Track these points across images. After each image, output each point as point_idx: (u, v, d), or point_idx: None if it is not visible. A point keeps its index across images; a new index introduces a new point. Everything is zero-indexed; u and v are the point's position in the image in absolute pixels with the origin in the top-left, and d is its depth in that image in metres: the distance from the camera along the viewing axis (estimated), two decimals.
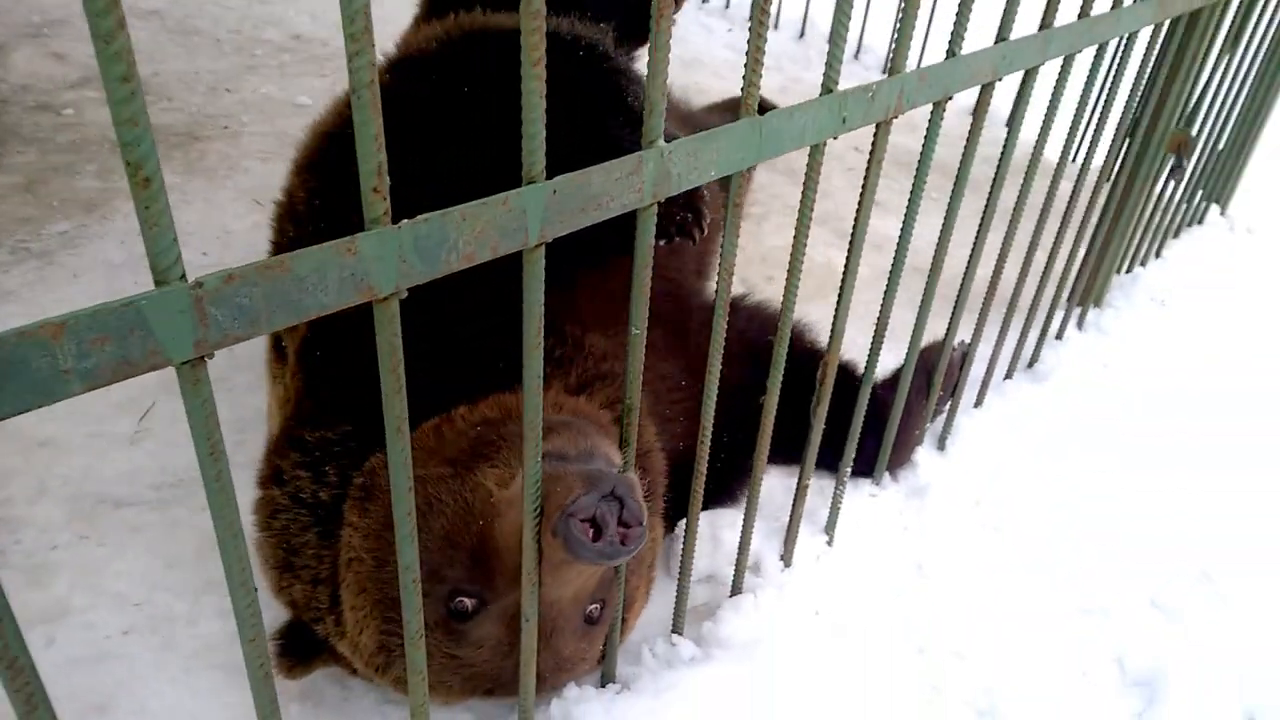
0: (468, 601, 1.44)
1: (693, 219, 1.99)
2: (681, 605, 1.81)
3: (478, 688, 1.54)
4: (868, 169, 1.54)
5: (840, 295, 1.70)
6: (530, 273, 1.06)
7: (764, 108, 1.27)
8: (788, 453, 2.06)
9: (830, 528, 2.17)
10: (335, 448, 1.66)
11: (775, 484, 2.31)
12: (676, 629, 1.82)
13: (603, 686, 1.65)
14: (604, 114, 1.93)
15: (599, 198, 1.07)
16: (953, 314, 2.22)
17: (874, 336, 1.97)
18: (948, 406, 2.47)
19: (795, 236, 1.47)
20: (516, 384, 1.70)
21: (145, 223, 0.75)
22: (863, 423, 2.05)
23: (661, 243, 2.12)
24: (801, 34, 5.05)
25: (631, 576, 1.61)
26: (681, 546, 1.93)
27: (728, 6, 5.41)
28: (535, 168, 0.99)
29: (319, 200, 1.91)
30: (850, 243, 1.65)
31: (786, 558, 2.07)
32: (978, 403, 2.63)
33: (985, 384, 2.60)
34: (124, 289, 2.78)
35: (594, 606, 1.53)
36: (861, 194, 1.57)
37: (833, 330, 1.75)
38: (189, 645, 1.83)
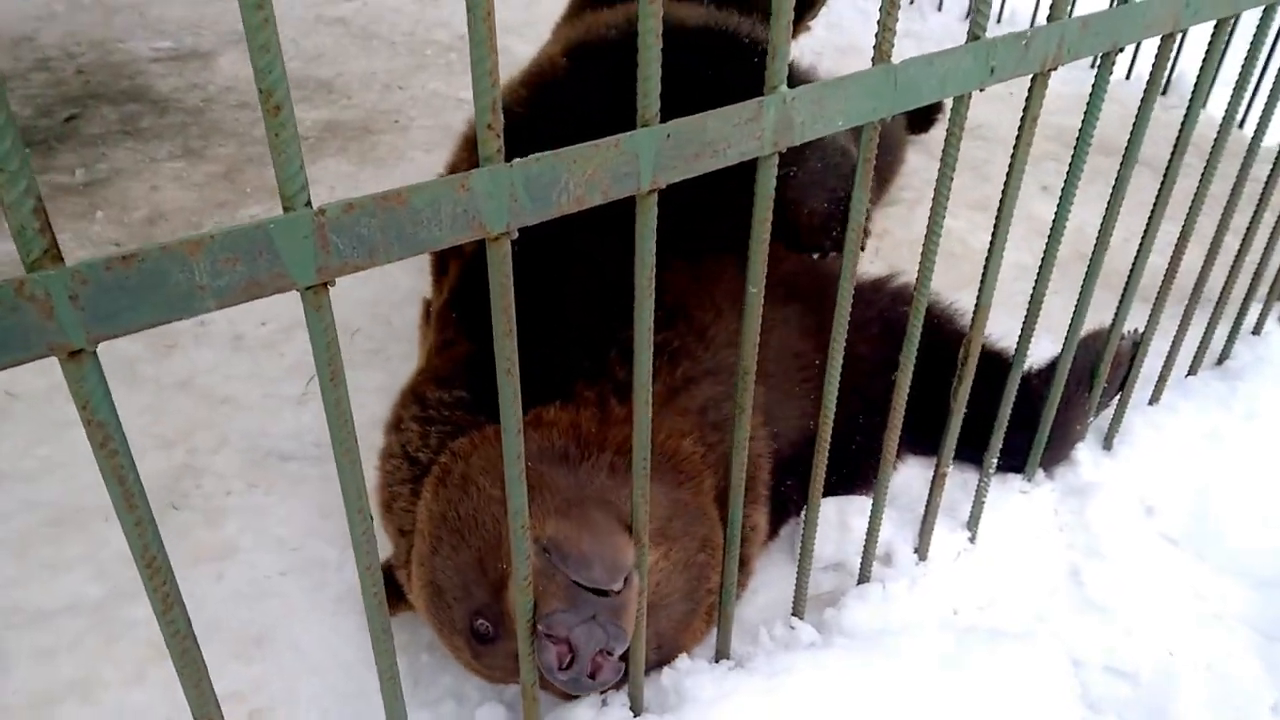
0: (487, 626, 1.47)
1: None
2: (802, 589, 1.76)
3: (499, 682, 1.61)
4: (1021, 125, 1.44)
5: (988, 263, 1.60)
6: (642, 220, 1.06)
7: None
8: (930, 443, 1.96)
9: (973, 523, 2.05)
10: (445, 411, 1.73)
11: (915, 474, 2.21)
12: (797, 613, 1.78)
13: (715, 662, 1.63)
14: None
15: (715, 144, 1.06)
16: (1122, 297, 2.04)
17: (1026, 317, 1.84)
18: (1115, 401, 2.28)
19: (935, 194, 1.40)
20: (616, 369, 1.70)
21: (275, 149, 0.81)
22: (1015, 414, 1.91)
23: (815, 256, 2.08)
24: (940, 6, 4.89)
25: (686, 600, 1.57)
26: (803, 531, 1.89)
27: None
28: (650, 110, 0.99)
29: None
30: (1000, 203, 1.54)
31: (921, 551, 1.97)
32: (1153, 399, 2.41)
33: (1163, 379, 2.38)
34: None
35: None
36: (1014, 153, 1.48)
37: (978, 302, 1.65)
38: (336, 589, 1.96)
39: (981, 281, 1.64)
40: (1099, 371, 2.12)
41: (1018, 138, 1.46)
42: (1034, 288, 1.80)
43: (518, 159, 0.93)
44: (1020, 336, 1.87)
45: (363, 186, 3.52)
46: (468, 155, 2.12)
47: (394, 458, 1.76)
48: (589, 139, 0.96)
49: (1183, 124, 1.86)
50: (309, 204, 0.84)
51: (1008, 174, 1.51)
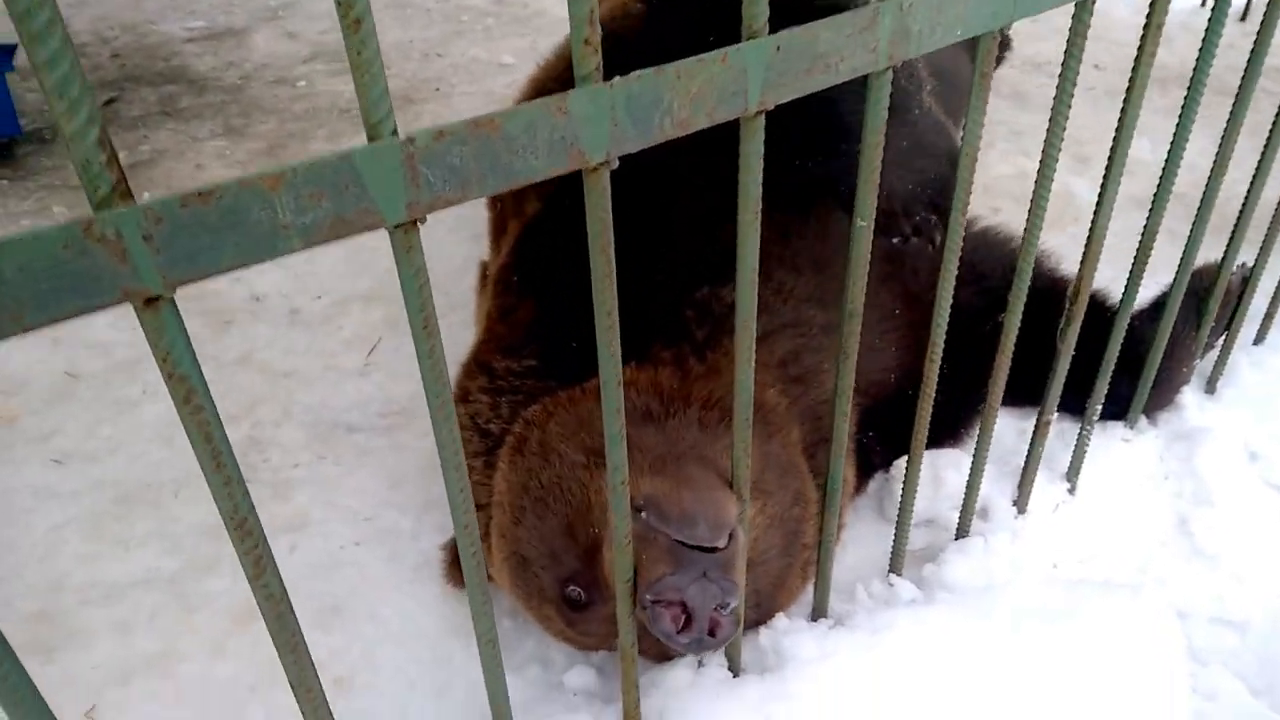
0: (580, 593, 1.41)
1: (935, 221, 1.82)
2: (900, 545, 1.67)
3: (590, 649, 1.56)
4: (1143, 38, 1.31)
5: (1101, 196, 1.48)
6: (749, 144, 0.97)
7: (1003, 38, 1.12)
8: (1017, 393, 1.85)
9: (1073, 474, 1.94)
10: (515, 380, 1.66)
11: (1004, 426, 2.09)
12: (895, 569, 1.69)
13: (813, 621, 1.55)
14: None
15: (827, 57, 0.95)
16: (1235, 229, 1.90)
17: (1137, 254, 1.71)
18: (1221, 341, 2.14)
19: (1052, 117, 1.28)
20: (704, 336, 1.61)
21: (357, 70, 0.73)
22: (1118, 358, 1.79)
23: (895, 241, 1.93)
24: None
25: (782, 556, 1.49)
26: (901, 488, 1.79)
27: None
28: (758, 20, 0.89)
29: None
30: (1116, 136, 1.42)
31: (1020, 503, 1.87)
32: (1258, 339, 2.26)
33: (1270, 316, 2.23)
34: (357, 247, 2.95)
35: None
36: (1133, 76, 1.34)
37: (1090, 235, 1.53)
38: (413, 558, 1.91)
39: (1095, 215, 1.51)
40: (1208, 309, 1.98)
41: (1138, 57, 1.33)
42: (1147, 220, 1.67)
43: (617, 77, 0.84)
44: (1130, 274, 1.74)
45: None
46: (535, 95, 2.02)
47: (463, 430, 1.69)
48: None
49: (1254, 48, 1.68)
50: (395, 132, 0.76)
51: (1125, 104, 1.38)
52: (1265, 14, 1.58)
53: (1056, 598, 1.59)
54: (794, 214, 1.82)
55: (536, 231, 1.78)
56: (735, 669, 1.44)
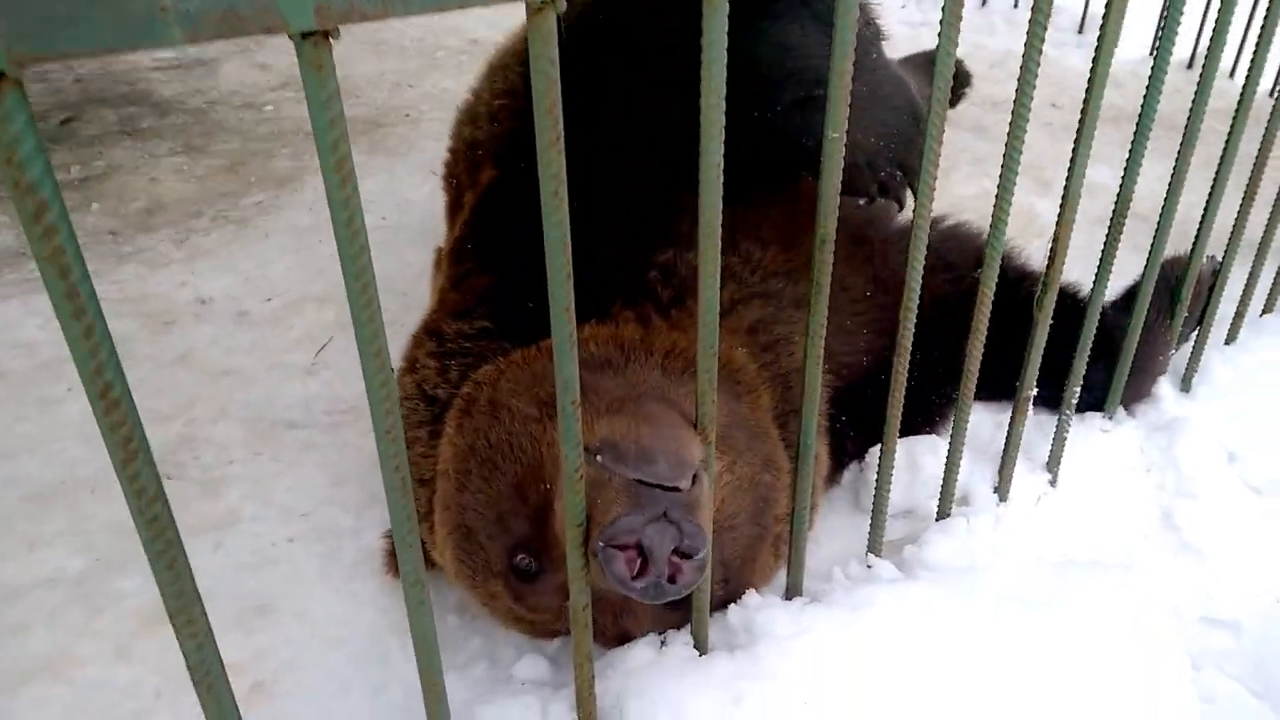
0: (530, 561, 1.28)
1: (901, 178, 1.77)
2: (879, 524, 1.56)
3: (538, 635, 1.43)
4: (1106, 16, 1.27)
5: (1073, 163, 1.42)
6: (712, 24, 0.89)
7: (960, 71, 1.08)
8: (992, 385, 1.77)
9: (1054, 464, 1.85)
10: (466, 343, 1.55)
11: (980, 418, 2.00)
12: (873, 549, 1.57)
13: (788, 599, 1.42)
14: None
15: None
16: (1200, 224, 1.86)
17: (1106, 242, 1.65)
18: (1194, 337, 2.08)
19: (1015, 115, 1.23)
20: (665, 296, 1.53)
21: None
22: (1092, 347, 1.72)
23: (861, 202, 1.89)
24: (984, 3, 4.73)
25: (752, 524, 1.37)
26: (875, 476, 1.69)
27: None
28: None
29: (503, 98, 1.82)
30: (1085, 109, 1.37)
31: (1001, 490, 1.77)
32: (1229, 339, 2.21)
33: (1239, 315, 2.18)
34: (310, 246, 2.85)
35: None
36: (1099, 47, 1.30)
37: (1064, 199, 1.47)
38: (351, 555, 1.76)
39: (1068, 181, 1.45)
40: (1180, 297, 1.93)
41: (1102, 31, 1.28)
42: (1115, 204, 1.62)
43: None
44: (1100, 263, 1.68)
45: (373, 174, 3.38)
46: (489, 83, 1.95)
47: (408, 399, 1.57)
48: None
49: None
50: None
51: (1091, 75, 1.34)
52: (1205, 63, 1.60)
53: (1043, 580, 1.48)
54: (760, 188, 1.75)
55: (492, 197, 1.69)
56: (702, 647, 1.30)
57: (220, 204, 3.17)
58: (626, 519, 1.04)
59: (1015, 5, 4.63)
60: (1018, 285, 1.97)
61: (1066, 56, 4.16)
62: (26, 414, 2.13)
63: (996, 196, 1.40)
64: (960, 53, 4.69)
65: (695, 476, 1.10)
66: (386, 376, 0.86)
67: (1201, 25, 3.98)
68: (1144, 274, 1.83)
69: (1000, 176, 1.37)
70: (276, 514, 1.86)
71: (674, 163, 1.58)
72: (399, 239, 2.88)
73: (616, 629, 1.31)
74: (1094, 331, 1.73)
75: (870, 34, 1.84)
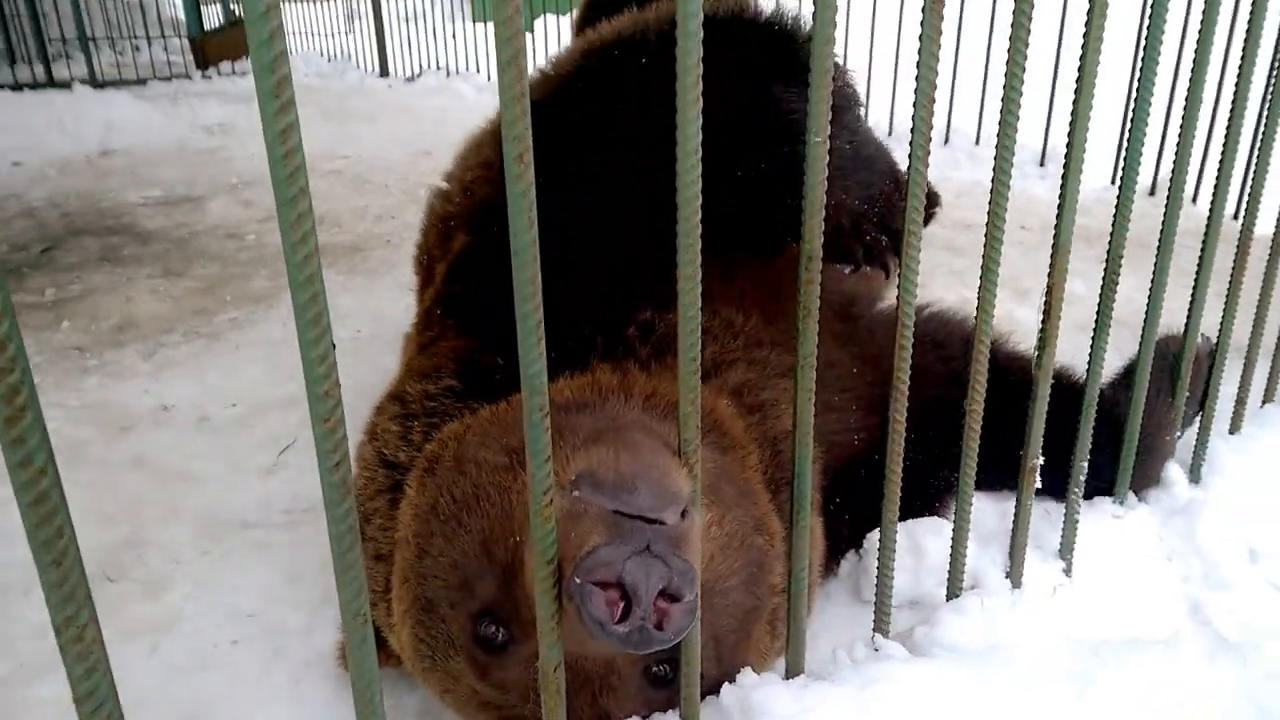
0: (497, 629, 1.13)
1: (886, 243, 1.74)
2: (884, 604, 1.42)
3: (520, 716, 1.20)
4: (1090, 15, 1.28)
5: (1060, 220, 1.39)
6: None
7: (930, 191, 1.10)
8: (992, 474, 1.68)
9: (1066, 551, 1.72)
10: (430, 403, 1.45)
11: (983, 507, 1.88)
12: (879, 629, 1.42)
13: (787, 679, 1.26)
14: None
15: None
16: (1191, 303, 1.83)
17: (1096, 325, 1.61)
18: (1197, 422, 2.01)
19: (1000, 127, 1.22)
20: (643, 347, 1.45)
21: None
22: (1094, 433, 1.65)
23: (847, 270, 1.85)
24: (946, 140, 4.96)
25: (745, 592, 1.22)
26: (875, 562, 1.57)
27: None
28: None
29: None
30: (1070, 133, 1.36)
31: (1014, 576, 1.63)
32: (1233, 428, 2.14)
33: (1240, 402, 2.12)
34: (282, 360, 2.77)
35: (660, 666, 1.15)
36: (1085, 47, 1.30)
37: (1053, 263, 1.43)
38: (302, 655, 1.58)
39: (1057, 228, 1.41)
40: (1180, 373, 1.87)
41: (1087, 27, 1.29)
42: (1101, 291, 1.59)
43: None
44: (1093, 344, 1.63)
45: (351, 292, 3.36)
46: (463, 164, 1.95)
47: (367, 469, 1.45)
48: None
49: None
50: None
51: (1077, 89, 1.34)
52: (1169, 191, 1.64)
53: (1078, 659, 1.33)
54: (739, 256, 1.72)
55: (464, 261, 1.64)
56: None
57: (193, 321, 3.12)
58: (606, 550, 0.91)
59: (977, 142, 4.84)
60: (1008, 369, 1.91)
61: (1031, 187, 4.31)
62: None
63: (982, 269, 1.35)
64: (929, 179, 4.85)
65: (684, 512, 0.99)
66: (331, 384, 0.76)
67: (1159, 155, 4.15)
68: (1140, 351, 1.78)
69: (984, 247, 1.32)
70: (222, 614, 1.68)
71: (653, 222, 1.55)
72: (373, 348, 2.81)
73: (594, 711, 1.14)
74: (1095, 405, 1.66)
75: (849, 95, 1.86)
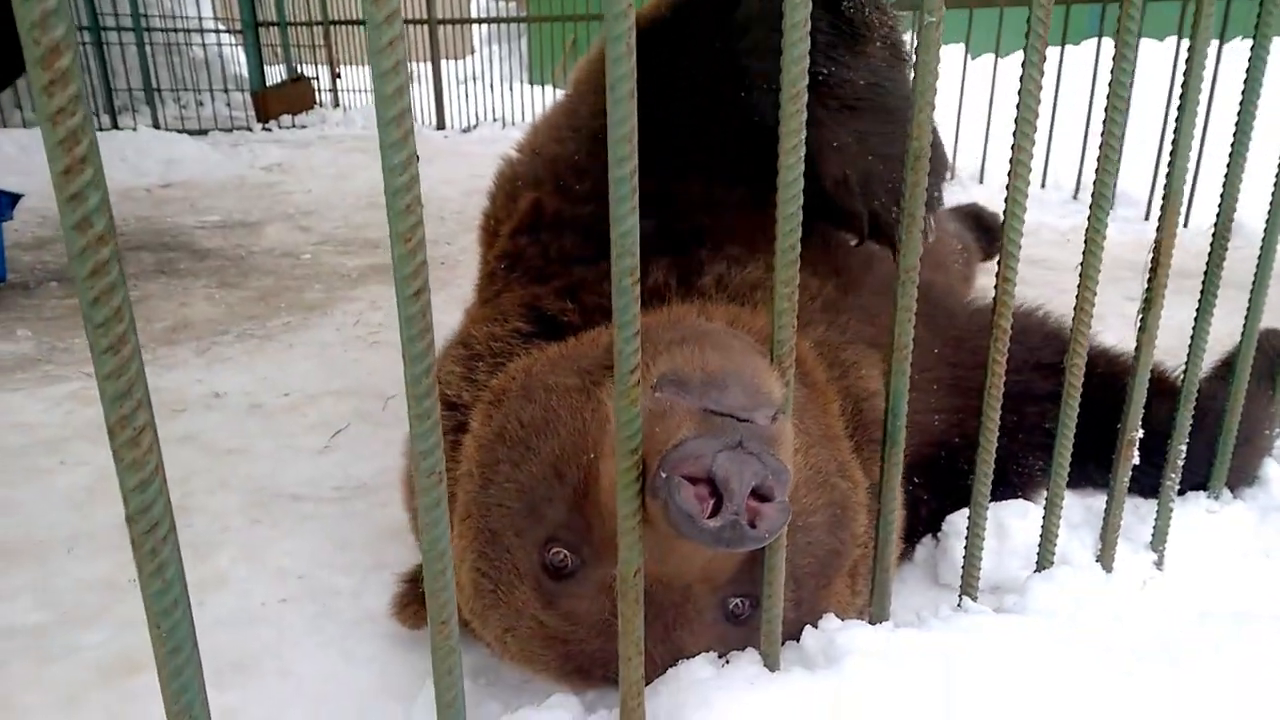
0: (566, 555, 1.07)
1: (896, 215, 1.62)
2: (973, 565, 1.33)
3: (571, 669, 1.12)
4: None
5: (1165, 209, 1.34)
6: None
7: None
8: (1077, 473, 1.59)
9: (1158, 543, 1.61)
10: (496, 344, 1.40)
11: (1068, 500, 1.79)
12: (967, 591, 1.32)
13: (873, 624, 1.17)
14: None
15: None
16: None
17: (1199, 310, 1.54)
18: None
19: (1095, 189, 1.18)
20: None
21: None
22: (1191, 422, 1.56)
23: (853, 243, 1.73)
24: (951, 175, 5.05)
25: (829, 533, 1.15)
26: (956, 544, 1.49)
27: None
28: None
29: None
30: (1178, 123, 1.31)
31: (1105, 561, 1.53)
32: None
33: None
34: (335, 358, 2.76)
35: (738, 600, 1.07)
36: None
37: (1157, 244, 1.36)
38: (350, 615, 1.51)
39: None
40: None
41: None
42: (1207, 268, 1.52)
43: None
44: (1196, 325, 1.55)
45: None
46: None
47: None
48: None
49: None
50: None
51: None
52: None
53: (1177, 628, 1.23)
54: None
55: (533, 212, 1.60)
56: (773, 664, 1.04)
57: (247, 324, 3.13)
58: (696, 442, 0.85)
59: (981, 181, 4.86)
60: (1094, 362, 1.82)
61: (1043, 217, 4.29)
62: (12, 480, 1.95)
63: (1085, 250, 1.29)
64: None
65: (775, 416, 0.92)
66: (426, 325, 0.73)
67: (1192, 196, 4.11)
68: (1241, 341, 1.69)
69: (1086, 231, 1.27)
70: (269, 576, 1.63)
71: (740, 175, 1.51)
72: None
73: (667, 647, 1.06)
74: (1194, 391, 1.57)
75: (894, 53, 1.70)
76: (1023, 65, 1.14)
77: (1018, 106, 1.16)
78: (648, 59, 1.34)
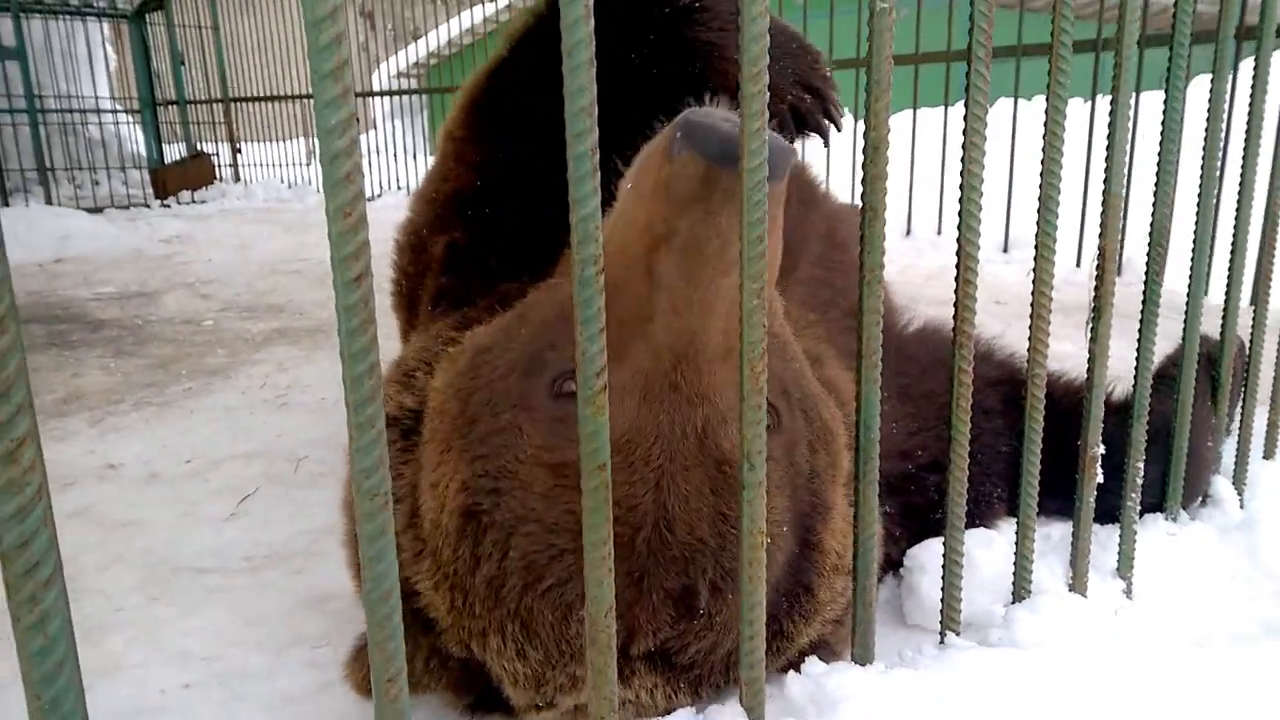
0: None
1: (812, 101, 1.57)
2: (953, 598, 1.24)
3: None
4: None
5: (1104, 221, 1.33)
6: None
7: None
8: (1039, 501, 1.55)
9: (1125, 568, 1.57)
10: (429, 354, 1.31)
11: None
12: (949, 626, 1.23)
13: (861, 665, 1.07)
14: None
15: None
16: (1227, 295, 1.77)
17: (1143, 319, 1.53)
18: (1237, 435, 1.90)
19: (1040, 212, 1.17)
20: None
21: None
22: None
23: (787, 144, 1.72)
24: (908, 231, 5.11)
25: (797, 526, 1.07)
26: (922, 579, 1.42)
27: None
28: None
29: None
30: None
31: (1078, 586, 1.47)
32: (1267, 454, 2.03)
33: (1274, 426, 2.03)
34: (240, 422, 2.56)
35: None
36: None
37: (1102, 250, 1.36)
38: (264, 699, 1.32)
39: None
40: (1220, 377, 1.78)
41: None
42: (1148, 257, 1.51)
43: None
44: (1141, 334, 1.54)
45: (315, 364, 3.17)
46: None
47: None
48: None
49: None
50: None
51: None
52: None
53: (1176, 653, 1.16)
54: None
55: (452, 252, 1.53)
56: (758, 718, 0.92)
57: (144, 393, 2.89)
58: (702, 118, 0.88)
59: (939, 232, 4.96)
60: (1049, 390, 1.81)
61: (998, 270, 4.39)
62: None
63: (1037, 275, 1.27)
64: (895, 271, 4.89)
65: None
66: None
67: (1123, 239, 4.26)
68: (1183, 344, 1.68)
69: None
70: (170, 659, 1.43)
71: None
72: (338, 411, 2.61)
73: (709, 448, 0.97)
74: (1146, 404, 1.55)
75: None
76: (965, 119, 1.12)
77: (963, 160, 1.13)
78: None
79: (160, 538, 1.82)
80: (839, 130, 1.53)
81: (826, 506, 1.08)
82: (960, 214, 1.16)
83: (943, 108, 4.77)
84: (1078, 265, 4.48)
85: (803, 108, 1.43)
